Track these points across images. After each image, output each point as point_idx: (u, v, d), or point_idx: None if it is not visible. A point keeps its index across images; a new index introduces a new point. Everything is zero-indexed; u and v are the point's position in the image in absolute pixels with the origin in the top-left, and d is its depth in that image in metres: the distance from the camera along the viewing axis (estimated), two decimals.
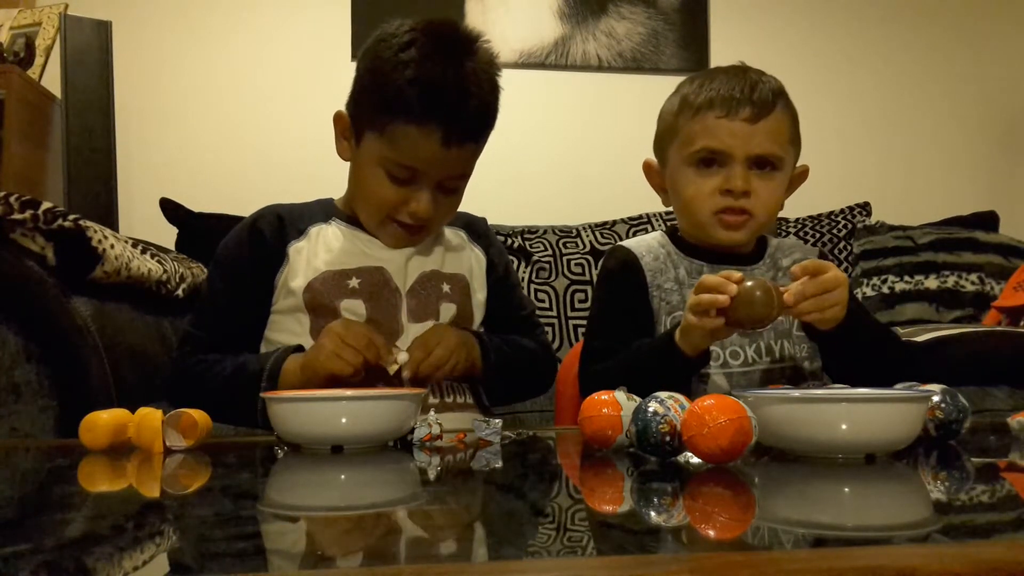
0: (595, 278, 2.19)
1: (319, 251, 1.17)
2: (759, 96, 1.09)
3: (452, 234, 1.26)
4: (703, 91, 1.11)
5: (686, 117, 1.12)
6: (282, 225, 1.19)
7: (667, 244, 1.19)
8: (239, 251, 1.19)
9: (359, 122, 1.14)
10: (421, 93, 1.07)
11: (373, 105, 1.11)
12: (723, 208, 1.11)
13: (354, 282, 1.14)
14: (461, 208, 1.28)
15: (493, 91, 1.14)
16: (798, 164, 1.17)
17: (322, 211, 1.22)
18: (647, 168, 1.22)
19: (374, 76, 1.11)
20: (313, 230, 1.19)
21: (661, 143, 1.19)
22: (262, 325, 1.18)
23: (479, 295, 1.24)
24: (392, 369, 1.05)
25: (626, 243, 1.22)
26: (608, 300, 1.19)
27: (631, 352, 1.10)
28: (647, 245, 1.19)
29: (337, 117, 1.17)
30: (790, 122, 1.13)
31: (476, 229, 1.29)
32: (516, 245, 2.22)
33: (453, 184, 1.15)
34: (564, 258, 2.24)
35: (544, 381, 1.30)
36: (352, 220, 1.20)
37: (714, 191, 1.11)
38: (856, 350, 1.06)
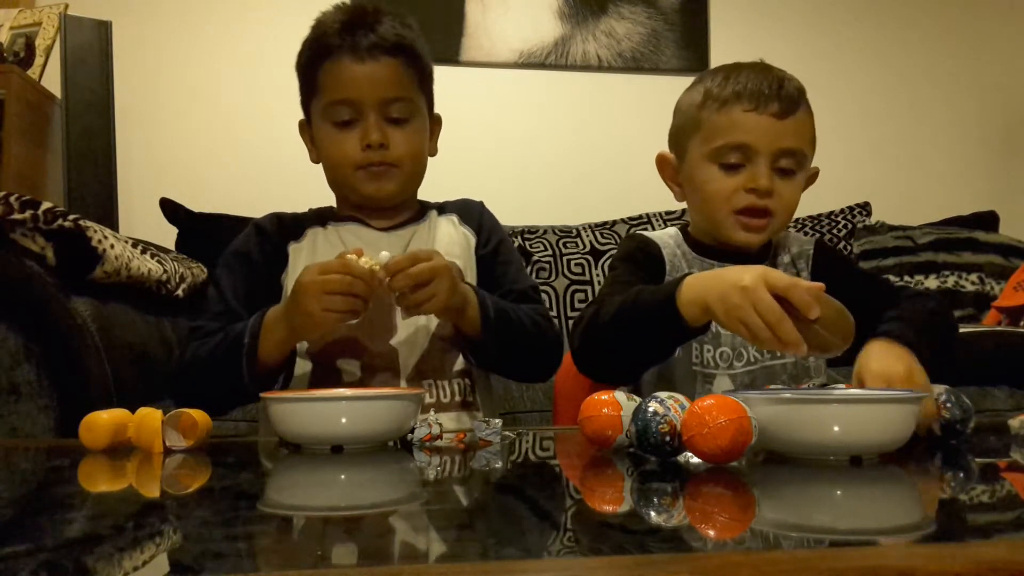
0: (596, 278, 2.20)
1: (317, 253, 1.18)
2: (786, 92, 1.08)
3: (445, 221, 1.25)
4: (729, 84, 1.09)
5: (711, 110, 1.10)
6: (282, 225, 1.21)
7: (682, 243, 1.17)
8: (247, 249, 1.19)
9: (307, 106, 1.21)
10: (329, 31, 1.14)
11: (306, 75, 1.19)
12: (746, 206, 1.08)
13: None
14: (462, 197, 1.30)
15: (406, 28, 1.17)
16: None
17: (318, 217, 1.23)
18: (661, 161, 1.19)
19: (300, 56, 1.20)
20: (310, 233, 1.20)
21: (680, 136, 1.16)
22: None
23: (472, 279, 1.21)
24: (378, 268, 1.00)
25: (646, 233, 1.20)
26: (624, 272, 1.13)
27: (633, 294, 1.01)
28: (664, 239, 1.18)
29: (300, 126, 1.24)
30: (811, 122, 1.12)
31: (469, 212, 1.28)
32: (516, 245, 2.23)
33: (397, 112, 1.15)
34: (564, 258, 2.24)
35: (549, 354, 1.19)
36: (347, 221, 1.21)
37: (737, 188, 1.08)
38: None
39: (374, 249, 1.17)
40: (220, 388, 1.06)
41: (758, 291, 0.85)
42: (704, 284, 0.93)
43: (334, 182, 1.21)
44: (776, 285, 0.85)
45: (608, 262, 2.21)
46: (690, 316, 0.93)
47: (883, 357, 0.93)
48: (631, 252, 1.17)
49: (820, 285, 0.86)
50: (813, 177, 1.16)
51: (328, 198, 1.26)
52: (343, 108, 1.14)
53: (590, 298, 2.13)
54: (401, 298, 1.02)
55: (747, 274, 0.87)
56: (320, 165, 1.21)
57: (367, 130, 1.13)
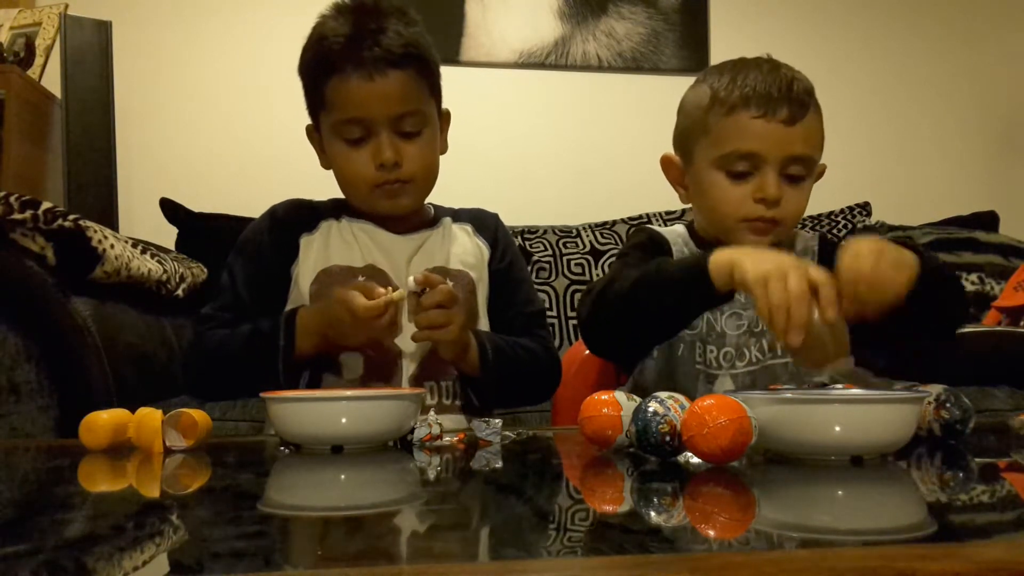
0: (595, 278, 2.20)
1: (328, 247, 1.18)
2: (796, 95, 1.04)
3: (459, 230, 1.25)
4: (736, 87, 1.05)
5: (718, 114, 1.06)
6: (298, 214, 1.21)
7: (688, 241, 1.17)
8: (260, 238, 1.19)
9: (314, 116, 1.19)
10: (333, 44, 1.11)
11: (312, 87, 1.16)
12: (754, 217, 1.06)
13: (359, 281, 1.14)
14: (473, 205, 1.30)
15: (410, 27, 1.14)
16: None
17: (334, 209, 1.22)
18: (666, 163, 1.17)
19: (303, 63, 1.17)
20: (324, 225, 1.20)
21: (686, 138, 1.13)
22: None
23: (483, 291, 1.22)
24: (402, 294, 1.03)
25: (654, 228, 1.19)
26: (636, 258, 1.11)
27: (655, 264, 1.01)
28: (673, 236, 1.17)
29: (308, 131, 1.21)
30: (820, 125, 1.08)
31: (484, 223, 1.28)
32: (516, 245, 2.23)
33: (409, 127, 1.13)
34: (564, 258, 2.24)
35: (546, 387, 1.24)
36: (362, 217, 1.20)
37: (745, 198, 1.06)
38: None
39: (386, 252, 1.18)
40: (247, 382, 1.07)
41: (796, 270, 0.85)
42: (740, 250, 0.94)
43: (348, 196, 1.20)
44: (810, 273, 0.85)
45: (608, 262, 2.21)
46: (718, 278, 0.93)
47: (856, 243, 0.91)
48: (642, 242, 1.16)
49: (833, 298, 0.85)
50: (820, 173, 1.13)
51: (328, 193, 1.26)
52: (354, 127, 1.12)
53: None
54: (421, 317, 1.03)
55: (789, 257, 0.88)
56: (325, 167, 1.21)
57: (380, 148, 1.11)
